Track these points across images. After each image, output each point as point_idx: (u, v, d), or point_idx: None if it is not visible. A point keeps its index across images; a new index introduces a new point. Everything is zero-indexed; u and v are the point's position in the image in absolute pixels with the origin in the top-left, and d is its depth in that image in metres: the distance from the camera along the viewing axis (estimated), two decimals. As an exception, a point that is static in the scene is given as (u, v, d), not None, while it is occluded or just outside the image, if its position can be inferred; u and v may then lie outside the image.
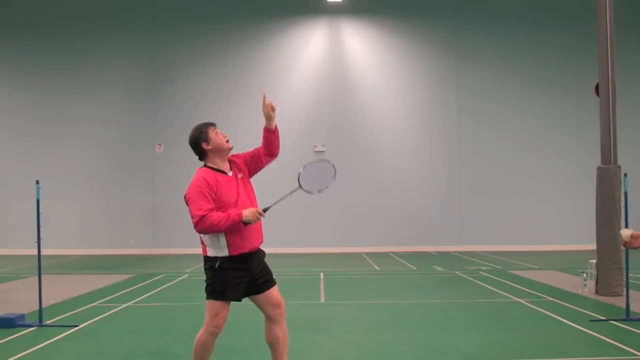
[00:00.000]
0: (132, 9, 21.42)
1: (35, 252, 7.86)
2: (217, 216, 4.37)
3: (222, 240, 4.45)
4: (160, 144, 21.21)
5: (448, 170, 21.29)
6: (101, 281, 12.51)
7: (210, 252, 4.51)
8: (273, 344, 4.67)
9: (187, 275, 13.81)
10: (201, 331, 4.53)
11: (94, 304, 9.58)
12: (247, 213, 4.41)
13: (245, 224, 4.40)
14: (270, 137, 4.74)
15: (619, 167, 10.15)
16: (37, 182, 7.86)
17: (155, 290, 11.23)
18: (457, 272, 13.81)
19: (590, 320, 7.85)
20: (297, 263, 16.35)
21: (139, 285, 11.85)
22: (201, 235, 4.51)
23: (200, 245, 4.60)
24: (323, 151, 21.03)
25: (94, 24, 21.30)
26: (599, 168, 10.33)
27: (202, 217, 4.35)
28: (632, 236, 4.31)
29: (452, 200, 21.18)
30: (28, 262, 14.82)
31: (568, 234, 20.47)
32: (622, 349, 6.36)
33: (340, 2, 21.42)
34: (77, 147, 21.16)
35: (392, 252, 19.90)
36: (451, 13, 21.52)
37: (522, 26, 21.40)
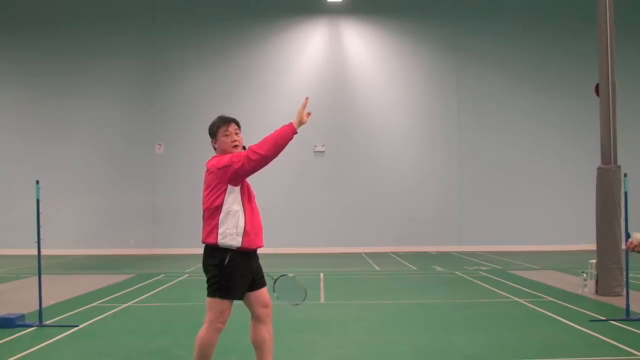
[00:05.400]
0: (131, 9, 21.42)
1: (35, 252, 7.86)
2: (268, 137, 4.33)
3: (241, 226, 4.42)
4: (160, 144, 21.21)
5: (448, 170, 21.29)
6: (101, 281, 12.51)
7: (223, 240, 4.41)
8: (259, 344, 4.64)
9: (187, 275, 13.80)
10: (204, 329, 4.48)
11: (94, 304, 9.58)
12: (296, 118, 4.39)
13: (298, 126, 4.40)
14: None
15: (619, 167, 10.14)
16: (37, 182, 7.85)
17: (155, 291, 11.23)
18: (457, 272, 13.81)
19: (590, 320, 7.84)
20: (297, 263, 16.34)
21: (138, 285, 11.85)
22: (219, 223, 4.41)
23: (205, 232, 4.49)
24: (323, 151, 21.04)
25: (94, 24, 21.31)
26: (599, 168, 10.33)
27: (249, 150, 4.33)
28: None
29: (452, 200, 21.19)
30: (28, 262, 14.82)
31: (568, 234, 20.48)
32: (622, 349, 6.36)
33: (340, 2, 21.43)
34: (77, 147, 21.17)
35: (392, 252, 19.90)
36: (451, 13, 21.53)
37: (522, 26, 21.41)
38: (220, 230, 4.42)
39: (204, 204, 4.54)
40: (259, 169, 4.40)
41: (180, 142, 21.15)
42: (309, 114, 4.47)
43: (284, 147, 4.33)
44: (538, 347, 6.60)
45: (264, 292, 4.67)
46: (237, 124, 4.70)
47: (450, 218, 21.12)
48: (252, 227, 4.48)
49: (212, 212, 4.48)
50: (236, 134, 4.65)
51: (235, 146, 4.60)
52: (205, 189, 4.54)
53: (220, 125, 4.63)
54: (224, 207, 4.44)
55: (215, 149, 4.67)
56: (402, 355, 6.35)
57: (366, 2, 21.62)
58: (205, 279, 4.55)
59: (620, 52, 11.46)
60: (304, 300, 4.78)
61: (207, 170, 4.54)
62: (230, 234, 4.41)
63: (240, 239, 4.42)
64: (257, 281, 4.63)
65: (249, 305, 4.66)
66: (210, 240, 4.45)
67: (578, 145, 20.74)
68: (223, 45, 21.39)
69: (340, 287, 11.85)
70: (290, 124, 4.35)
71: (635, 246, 4.34)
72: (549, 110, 21.40)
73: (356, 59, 21.65)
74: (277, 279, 4.77)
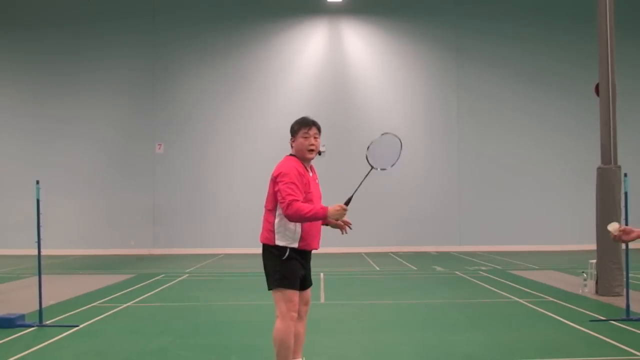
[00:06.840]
0: (132, 9, 21.42)
1: (35, 252, 7.86)
2: (305, 206, 4.46)
3: (298, 233, 4.59)
4: (160, 144, 21.21)
5: (448, 170, 21.29)
6: (101, 281, 12.51)
7: (280, 242, 4.60)
8: (295, 337, 4.82)
9: (187, 275, 13.81)
10: (279, 323, 4.60)
11: (94, 304, 9.58)
12: (332, 211, 4.48)
13: (328, 220, 4.53)
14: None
15: (619, 167, 10.14)
16: (37, 182, 7.85)
17: (155, 291, 11.23)
18: (457, 272, 13.81)
19: (590, 320, 7.84)
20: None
21: (139, 285, 11.85)
22: (275, 224, 4.61)
23: (264, 234, 4.67)
24: (323, 151, 21.02)
25: (94, 24, 21.32)
26: (599, 168, 10.33)
27: (293, 202, 4.44)
28: (621, 230, 4.27)
29: (452, 200, 21.18)
30: (28, 262, 14.82)
31: (568, 234, 20.46)
32: (622, 349, 6.36)
33: (340, 2, 21.42)
34: (77, 147, 21.16)
35: (392, 252, 19.90)
36: (451, 13, 21.52)
37: (522, 26, 21.41)
38: (277, 236, 4.62)
39: (265, 202, 4.76)
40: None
41: (180, 142, 21.15)
42: (345, 224, 4.65)
43: (306, 221, 4.53)
44: (538, 347, 6.60)
45: (308, 292, 4.89)
46: (319, 128, 4.82)
47: (450, 218, 21.12)
48: (307, 232, 4.65)
49: (267, 213, 4.69)
50: (315, 138, 4.75)
51: (311, 150, 4.72)
52: (268, 188, 4.74)
53: (302, 127, 4.75)
54: (278, 212, 4.63)
55: (292, 146, 4.78)
56: (403, 355, 6.35)
57: (366, 2, 21.62)
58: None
59: (620, 52, 11.46)
60: (401, 145, 4.93)
61: (272, 178, 4.66)
62: (286, 239, 4.60)
63: (296, 243, 4.62)
64: (307, 281, 4.83)
65: None
66: (269, 242, 4.65)
67: (578, 145, 20.73)
68: (223, 45, 21.38)
69: (340, 287, 11.86)
70: (325, 210, 4.48)
71: (615, 236, 4.31)
72: (549, 110, 21.39)
73: (356, 59, 21.65)
74: (371, 167, 4.98)
